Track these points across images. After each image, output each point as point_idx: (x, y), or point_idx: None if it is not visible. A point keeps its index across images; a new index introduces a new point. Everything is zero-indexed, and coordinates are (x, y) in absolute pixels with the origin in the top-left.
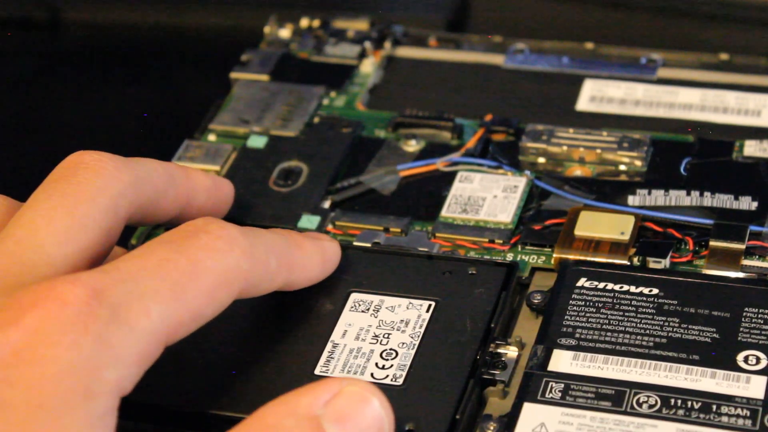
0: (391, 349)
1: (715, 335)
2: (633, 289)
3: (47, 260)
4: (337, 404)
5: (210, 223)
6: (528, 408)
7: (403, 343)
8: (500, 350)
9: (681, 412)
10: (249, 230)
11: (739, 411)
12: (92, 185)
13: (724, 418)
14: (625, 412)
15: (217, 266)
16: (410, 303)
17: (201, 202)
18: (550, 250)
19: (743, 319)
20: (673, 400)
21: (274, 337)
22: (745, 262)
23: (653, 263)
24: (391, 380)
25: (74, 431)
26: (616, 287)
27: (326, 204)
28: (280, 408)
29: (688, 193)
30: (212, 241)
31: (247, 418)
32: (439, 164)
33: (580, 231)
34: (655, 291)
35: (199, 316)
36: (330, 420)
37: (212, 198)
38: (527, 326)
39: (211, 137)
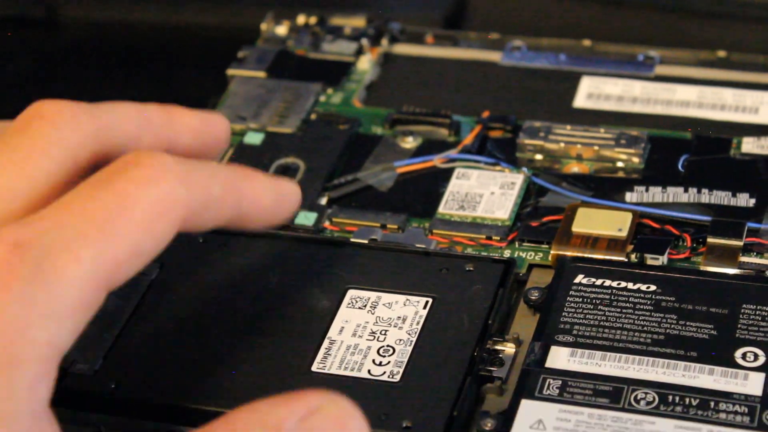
0: (388, 346)
1: (713, 332)
2: (630, 285)
3: None
4: (311, 423)
5: (140, 155)
6: (525, 405)
7: (400, 340)
8: (497, 347)
9: (679, 408)
10: (188, 159)
11: (737, 408)
12: (46, 138)
13: (722, 415)
14: (622, 409)
15: (149, 196)
16: (407, 300)
17: (186, 144)
18: (547, 246)
19: (741, 316)
20: (671, 397)
21: (271, 333)
22: (743, 258)
23: (651, 260)
24: (388, 377)
25: None
26: (614, 284)
27: (323, 200)
28: (252, 416)
29: (686, 190)
30: (142, 171)
31: (216, 420)
32: (437, 161)
33: (577, 228)
34: (653, 288)
35: (139, 252)
36: None
37: (200, 139)
38: (524, 323)
39: None
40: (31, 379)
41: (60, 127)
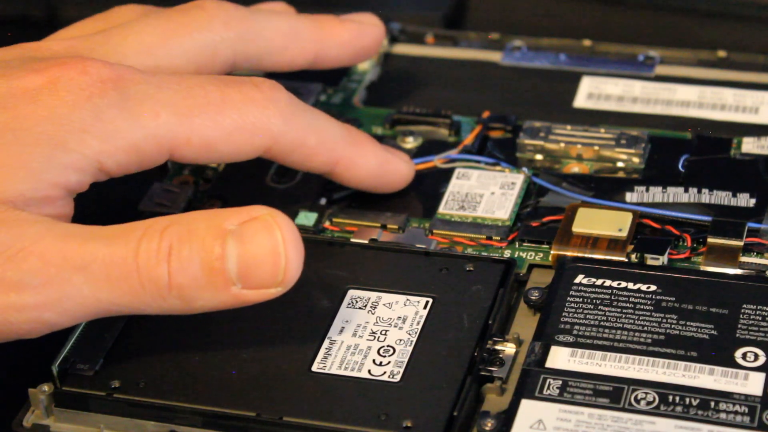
0: (388, 346)
1: (713, 332)
2: (631, 285)
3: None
4: (246, 228)
5: (264, 82)
6: (526, 405)
7: (401, 340)
8: (498, 347)
9: (679, 408)
10: (304, 105)
11: (737, 408)
12: (196, 22)
13: (723, 415)
14: (623, 409)
15: (245, 111)
16: (407, 300)
17: (334, 54)
18: (547, 246)
19: (741, 316)
20: (671, 397)
21: (271, 333)
22: (743, 258)
23: (651, 260)
24: (389, 377)
25: (29, 159)
26: (614, 284)
27: (323, 201)
28: (206, 215)
29: (686, 190)
30: (252, 89)
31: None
32: (437, 161)
33: (577, 228)
34: (653, 288)
35: (211, 147)
36: (234, 238)
37: (349, 49)
38: (525, 323)
39: None
40: (67, 162)
41: (211, 19)
